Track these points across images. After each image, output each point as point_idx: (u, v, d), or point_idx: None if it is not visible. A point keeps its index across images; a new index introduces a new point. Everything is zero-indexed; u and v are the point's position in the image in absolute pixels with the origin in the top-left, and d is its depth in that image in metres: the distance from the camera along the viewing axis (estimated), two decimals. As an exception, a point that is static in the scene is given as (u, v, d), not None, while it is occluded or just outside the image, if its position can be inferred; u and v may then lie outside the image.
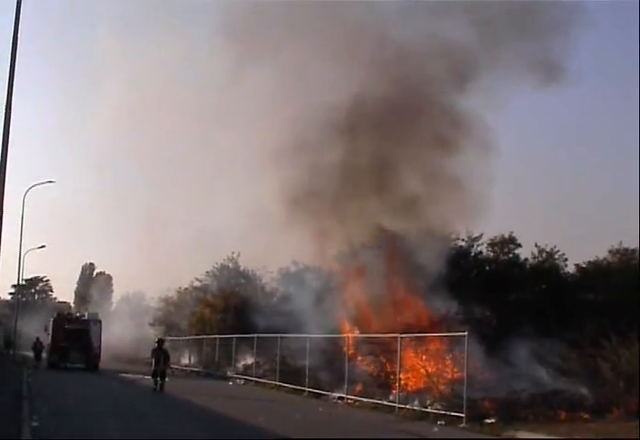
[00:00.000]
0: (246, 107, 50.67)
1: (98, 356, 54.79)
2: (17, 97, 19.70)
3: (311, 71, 44.18)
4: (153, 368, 35.61)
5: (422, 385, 30.17)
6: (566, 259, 44.77)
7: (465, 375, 25.16)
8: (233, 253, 63.38)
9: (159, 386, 34.67)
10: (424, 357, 31.25)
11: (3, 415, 19.81)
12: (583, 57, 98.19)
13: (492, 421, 24.24)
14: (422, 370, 30.88)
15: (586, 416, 24.36)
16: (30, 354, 67.87)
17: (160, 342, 37.72)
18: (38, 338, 57.69)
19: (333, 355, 36.56)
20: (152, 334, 75.60)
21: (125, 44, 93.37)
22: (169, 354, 37.79)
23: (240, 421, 24.01)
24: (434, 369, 30.62)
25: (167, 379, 35.75)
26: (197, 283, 66.67)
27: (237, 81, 46.81)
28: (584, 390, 27.58)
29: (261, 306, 52.96)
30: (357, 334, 36.08)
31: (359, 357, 34.26)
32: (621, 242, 44.08)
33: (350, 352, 33.98)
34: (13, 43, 19.60)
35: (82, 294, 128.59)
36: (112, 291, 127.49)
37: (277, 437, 19.78)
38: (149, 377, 39.27)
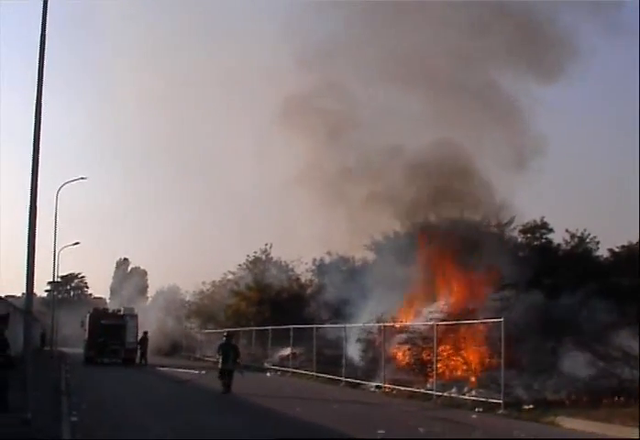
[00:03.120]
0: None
1: (135, 350, 55.01)
2: (47, 94, 19.70)
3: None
4: (220, 366, 30.94)
5: (459, 373, 30.11)
6: (598, 243, 44.63)
7: (502, 361, 25.06)
8: (266, 244, 63.56)
9: (226, 387, 30.12)
10: (462, 344, 31.13)
11: (42, 411, 19.88)
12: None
13: (530, 407, 24.18)
14: (459, 358, 30.79)
15: (625, 401, 24.19)
16: (68, 350, 68.46)
17: (229, 336, 32.75)
18: (145, 333, 57.73)
19: (370, 344, 36.60)
20: (188, 327, 76.09)
21: (153, 38, 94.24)
22: (239, 349, 32.92)
23: (278, 411, 24.15)
24: (472, 357, 30.51)
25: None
26: (230, 276, 66.81)
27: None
28: (624, 375, 27.44)
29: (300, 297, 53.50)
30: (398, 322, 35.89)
31: (396, 346, 34.12)
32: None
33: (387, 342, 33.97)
34: (41, 40, 19.63)
35: (118, 290, 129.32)
36: (147, 286, 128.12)
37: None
38: (188, 370, 39.33)
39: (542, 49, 41.26)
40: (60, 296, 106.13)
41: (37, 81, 19.66)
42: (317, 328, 41.06)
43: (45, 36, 19.79)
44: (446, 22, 41.89)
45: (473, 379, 28.87)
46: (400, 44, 43.22)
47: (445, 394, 27.71)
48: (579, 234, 44.58)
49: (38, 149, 19.33)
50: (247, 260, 64.86)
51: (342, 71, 48.88)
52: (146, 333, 57.00)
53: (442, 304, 35.65)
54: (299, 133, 48.90)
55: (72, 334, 79.57)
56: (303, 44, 47.53)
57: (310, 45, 46.61)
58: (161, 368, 49.28)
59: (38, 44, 19.73)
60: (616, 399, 24.44)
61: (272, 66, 59.45)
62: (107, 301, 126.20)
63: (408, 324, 34.59)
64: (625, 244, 44.34)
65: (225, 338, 32.35)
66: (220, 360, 31.09)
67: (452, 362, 30.83)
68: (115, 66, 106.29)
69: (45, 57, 19.77)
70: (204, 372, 42.64)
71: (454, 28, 41.58)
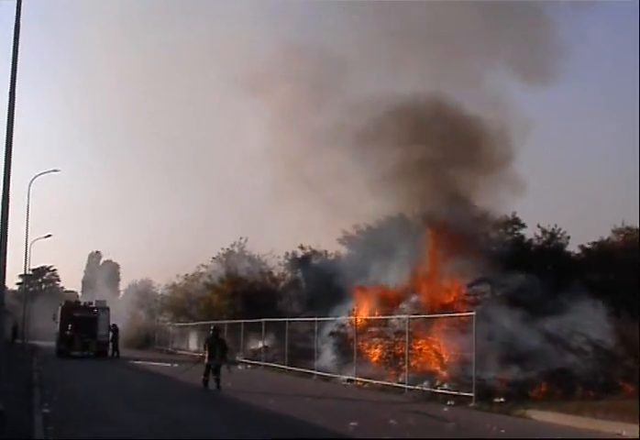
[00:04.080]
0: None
1: (107, 343, 55.06)
2: (21, 85, 19.61)
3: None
4: (207, 361, 29.74)
5: (431, 366, 30.22)
6: (568, 237, 44.84)
7: (474, 355, 25.21)
8: (240, 238, 63.49)
9: (215, 383, 28.92)
10: (434, 337, 31.25)
11: (15, 403, 19.85)
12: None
13: (502, 400, 24.35)
14: (431, 352, 30.91)
15: (596, 394, 24.40)
16: (40, 343, 68.29)
17: (216, 329, 31.50)
18: (114, 325, 57.67)
19: (342, 337, 36.70)
20: (161, 320, 76.00)
21: (130, 27, 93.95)
22: (227, 344, 31.84)
23: (253, 404, 24.24)
24: (444, 350, 30.63)
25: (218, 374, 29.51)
26: (203, 269, 66.66)
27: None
28: (594, 368, 27.63)
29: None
30: (365, 316, 36.05)
31: (369, 340, 34.25)
32: (623, 221, 44.06)
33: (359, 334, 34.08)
34: (15, 28, 19.52)
35: (90, 283, 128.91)
36: (119, 280, 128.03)
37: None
38: (161, 363, 39.38)
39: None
40: (31, 289, 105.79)
41: (10, 70, 19.57)
42: (289, 322, 41.10)
43: (19, 24, 19.70)
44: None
45: (445, 372, 29.00)
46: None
47: (417, 387, 27.83)
48: (549, 230, 44.77)
49: (11, 142, 19.24)
50: (220, 253, 64.70)
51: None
52: (115, 325, 56.98)
53: (416, 298, 35.84)
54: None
55: (44, 327, 79.30)
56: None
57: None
58: (134, 362, 49.20)
59: (12, 32, 19.64)
60: (587, 392, 24.67)
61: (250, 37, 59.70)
62: (79, 294, 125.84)
63: (380, 317, 34.71)
64: (596, 240, 44.58)
65: (211, 332, 31.21)
66: (206, 355, 30.06)
67: (424, 356, 30.94)
68: (92, 49, 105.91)
69: (19, 43, 19.67)
70: (176, 365, 42.67)
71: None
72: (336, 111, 45.02)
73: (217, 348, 29.96)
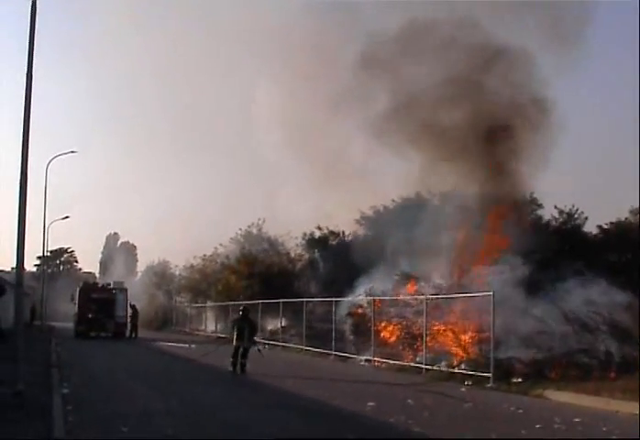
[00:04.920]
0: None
1: (124, 324, 55.23)
2: (38, 67, 19.61)
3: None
4: (235, 343, 28.33)
5: (449, 346, 30.20)
6: (586, 218, 44.73)
7: (492, 335, 25.21)
8: (259, 219, 63.49)
9: (239, 368, 27.82)
10: (452, 317, 31.17)
11: (34, 383, 19.98)
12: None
13: (519, 380, 24.35)
14: (449, 332, 30.87)
15: (614, 374, 24.35)
16: (58, 324, 68.66)
17: (245, 310, 29.76)
18: (133, 306, 58.00)
19: (360, 318, 36.70)
20: (178, 301, 76.29)
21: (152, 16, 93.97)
22: (256, 325, 31.33)
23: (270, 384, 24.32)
24: (462, 330, 30.58)
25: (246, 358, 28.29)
26: (222, 249, 66.68)
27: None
28: (612, 348, 27.55)
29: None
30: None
31: (387, 320, 34.22)
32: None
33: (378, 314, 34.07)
34: (32, 11, 19.51)
35: (107, 264, 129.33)
36: (137, 261, 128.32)
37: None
38: (181, 344, 39.43)
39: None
40: (49, 271, 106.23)
41: (27, 51, 19.56)
42: (307, 302, 41.16)
43: (35, 8, 19.68)
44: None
45: (463, 352, 28.99)
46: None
47: (434, 368, 27.87)
48: (567, 210, 44.66)
49: (29, 123, 19.28)
50: (238, 234, 64.73)
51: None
52: (133, 306, 57.15)
53: (438, 278, 35.80)
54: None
55: (62, 308, 79.72)
56: None
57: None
58: (152, 343, 49.38)
59: (29, 15, 19.63)
60: (604, 372, 24.62)
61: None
62: (97, 275, 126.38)
63: (398, 298, 34.70)
64: (614, 220, 44.44)
65: (241, 312, 29.73)
66: (234, 337, 28.56)
67: (442, 336, 30.91)
68: (107, 31, 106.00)
69: (36, 26, 19.67)
70: (193, 346, 42.85)
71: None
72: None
73: (246, 330, 28.54)
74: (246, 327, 28.56)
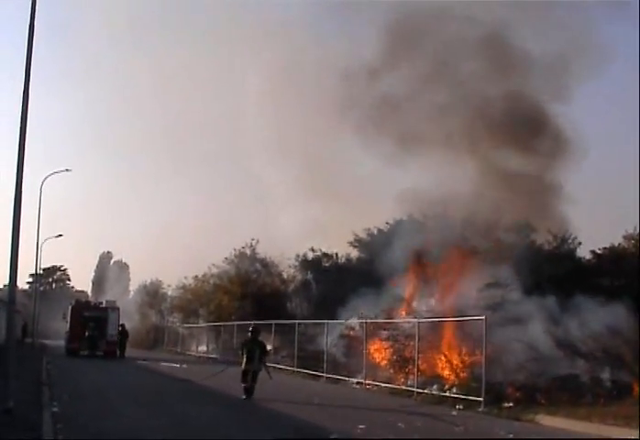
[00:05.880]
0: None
1: (116, 343, 55.09)
2: (34, 85, 19.65)
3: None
4: (244, 366, 26.39)
5: (441, 370, 30.17)
6: (580, 243, 44.81)
7: (483, 359, 25.20)
8: (252, 240, 63.48)
9: (250, 391, 26.02)
10: (443, 341, 31.17)
11: (24, 400, 19.91)
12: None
13: (511, 404, 24.31)
14: (441, 356, 30.84)
15: (605, 400, 24.31)
16: (49, 342, 68.40)
17: (255, 332, 27.48)
18: (122, 325, 57.85)
19: (352, 340, 36.69)
20: (170, 321, 76.24)
21: (145, 33, 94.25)
22: (266, 347, 28.78)
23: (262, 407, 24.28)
24: (454, 354, 30.56)
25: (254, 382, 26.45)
26: (215, 270, 66.66)
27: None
28: (603, 374, 27.54)
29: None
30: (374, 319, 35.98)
31: (378, 343, 34.21)
32: (635, 227, 43.87)
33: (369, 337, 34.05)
34: (30, 30, 19.58)
35: (100, 283, 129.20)
36: (129, 280, 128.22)
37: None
38: (172, 363, 39.18)
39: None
40: (42, 288, 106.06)
41: (24, 69, 19.61)
42: (299, 324, 41.14)
43: (34, 24, 19.74)
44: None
45: (454, 376, 28.96)
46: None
47: (426, 391, 27.85)
48: (560, 235, 44.72)
49: (24, 141, 19.30)
50: (232, 254, 64.73)
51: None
52: (122, 325, 57.08)
53: (429, 302, 35.79)
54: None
55: (54, 326, 79.58)
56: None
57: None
58: (143, 362, 49.27)
59: (27, 33, 19.68)
60: (596, 398, 24.59)
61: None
62: (89, 294, 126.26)
63: (390, 321, 34.70)
64: (607, 246, 44.51)
65: (250, 333, 27.52)
66: (244, 360, 26.55)
67: (434, 360, 30.88)
68: (102, 47, 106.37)
69: (33, 43, 19.73)
70: (184, 366, 42.74)
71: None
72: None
73: (257, 352, 26.62)
74: (256, 349, 26.70)
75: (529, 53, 40.40)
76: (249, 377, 26.08)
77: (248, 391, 25.89)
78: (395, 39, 41.59)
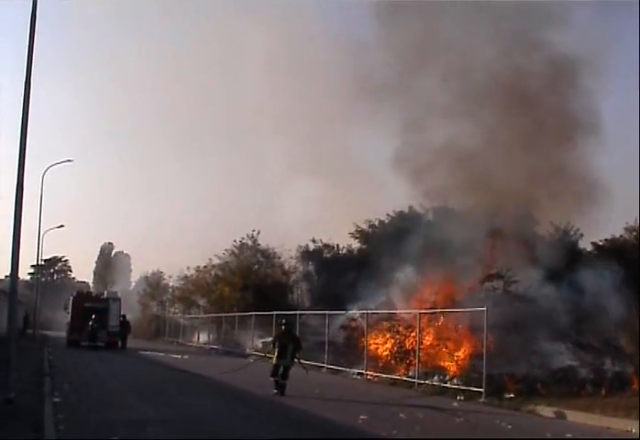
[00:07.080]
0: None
1: (117, 334, 55.02)
2: (36, 75, 19.65)
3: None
4: (275, 361, 25.34)
5: (442, 361, 30.19)
6: (581, 235, 44.81)
7: (484, 350, 25.19)
8: (253, 231, 63.45)
9: (279, 389, 24.67)
10: (445, 332, 31.18)
11: (26, 391, 19.95)
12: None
13: (511, 396, 24.32)
14: (442, 347, 30.85)
15: (606, 391, 24.31)
16: (50, 333, 68.42)
17: (288, 325, 26.71)
18: (124, 316, 57.74)
19: (353, 331, 36.72)
20: (172, 312, 76.27)
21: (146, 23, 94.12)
22: (300, 341, 26.96)
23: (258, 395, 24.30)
24: (455, 345, 30.58)
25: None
26: (216, 261, 66.64)
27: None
28: (605, 365, 27.58)
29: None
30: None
31: (379, 334, 34.23)
32: (636, 219, 43.91)
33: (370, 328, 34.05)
34: (31, 21, 19.58)
35: (101, 274, 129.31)
36: (130, 271, 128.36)
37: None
38: (173, 354, 39.19)
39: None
40: (43, 279, 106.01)
41: (26, 60, 19.60)
42: (300, 315, 41.13)
43: (35, 15, 19.74)
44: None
45: (455, 367, 28.97)
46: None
47: (427, 382, 27.86)
48: (562, 227, 44.72)
49: (26, 132, 19.29)
50: (233, 245, 64.68)
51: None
52: (124, 316, 57.01)
53: (430, 293, 35.74)
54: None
55: (55, 317, 79.62)
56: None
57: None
58: (145, 352, 49.32)
59: (29, 24, 19.67)
60: (597, 389, 24.59)
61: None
62: (91, 285, 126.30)
63: (391, 312, 34.71)
64: (608, 237, 44.54)
65: (283, 327, 26.48)
66: (275, 354, 25.53)
67: (434, 350, 30.90)
68: (105, 39, 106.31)
69: (35, 34, 19.72)
70: (186, 357, 42.76)
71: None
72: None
73: (290, 347, 25.48)
74: (289, 344, 25.53)
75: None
76: (279, 372, 25.01)
77: (280, 386, 24.71)
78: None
